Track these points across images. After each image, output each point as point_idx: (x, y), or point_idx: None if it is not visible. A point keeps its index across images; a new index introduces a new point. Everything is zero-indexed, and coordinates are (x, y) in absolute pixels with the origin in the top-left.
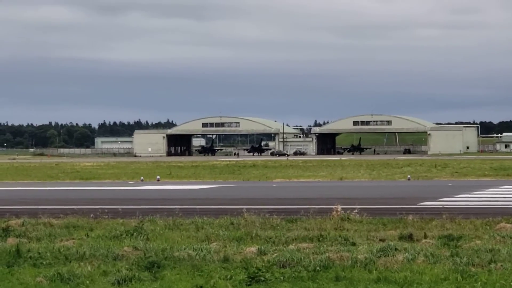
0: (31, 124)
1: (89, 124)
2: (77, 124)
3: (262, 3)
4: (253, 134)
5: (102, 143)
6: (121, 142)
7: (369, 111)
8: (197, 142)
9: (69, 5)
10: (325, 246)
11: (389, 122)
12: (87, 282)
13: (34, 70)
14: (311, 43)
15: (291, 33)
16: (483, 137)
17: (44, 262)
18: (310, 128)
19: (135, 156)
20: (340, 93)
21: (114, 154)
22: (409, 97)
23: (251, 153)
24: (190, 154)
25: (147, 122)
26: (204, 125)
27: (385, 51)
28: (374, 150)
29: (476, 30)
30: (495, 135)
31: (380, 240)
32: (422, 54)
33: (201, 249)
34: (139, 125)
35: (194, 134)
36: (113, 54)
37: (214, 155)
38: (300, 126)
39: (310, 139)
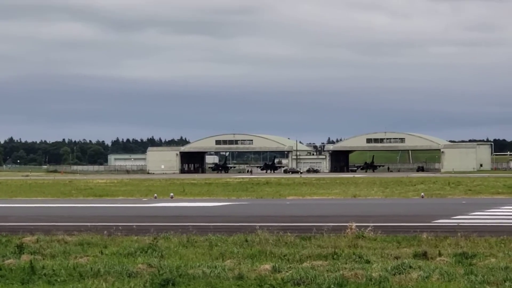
0: (45, 141)
1: (102, 141)
2: (90, 141)
3: (277, 20)
4: (266, 152)
5: (115, 160)
6: (134, 159)
7: (383, 129)
8: (211, 160)
9: (86, 22)
10: (339, 263)
11: (402, 140)
12: None
13: (49, 88)
14: (326, 60)
15: (306, 50)
16: (496, 154)
17: (59, 279)
18: (324, 146)
19: (149, 173)
20: (354, 110)
21: (127, 171)
22: (422, 115)
23: (264, 171)
24: (203, 171)
25: (160, 139)
26: (218, 142)
27: (400, 69)
28: (388, 168)
29: (491, 47)
30: (508, 152)
31: (395, 257)
32: (437, 72)
33: (216, 267)
34: (152, 142)
35: (207, 152)
36: (127, 71)
37: (227, 172)
38: (314, 144)
39: (324, 157)
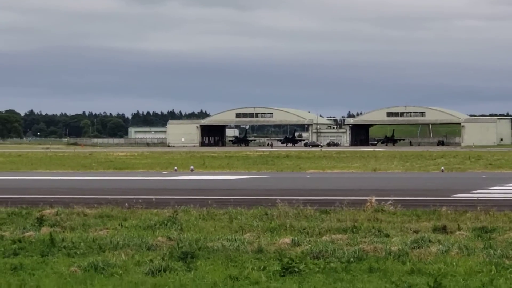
0: (65, 114)
1: (123, 114)
2: (110, 114)
3: None
4: (286, 125)
5: (135, 133)
6: (155, 132)
7: (403, 103)
8: (231, 133)
9: None
10: (358, 237)
11: (422, 114)
12: (121, 272)
13: (70, 60)
14: (347, 34)
15: (329, 24)
16: None
17: (78, 252)
18: (344, 119)
19: (169, 146)
20: (374, 84)
21: (148, 144)
22: (443, 89)
23: (285, 144)
24: (223, 144)
25: (180, 112)
26: (238, 115)
27: (422, 42)
28: (410, 142)
29: None
30: None
31: (414, 231)
32: (460, 46)
33: (235, 240)
34: (172, 115)
35: (227, 125)
36: (148, 43)
37: (247, 145)
38: (334, 117)
39: (344, 130)
